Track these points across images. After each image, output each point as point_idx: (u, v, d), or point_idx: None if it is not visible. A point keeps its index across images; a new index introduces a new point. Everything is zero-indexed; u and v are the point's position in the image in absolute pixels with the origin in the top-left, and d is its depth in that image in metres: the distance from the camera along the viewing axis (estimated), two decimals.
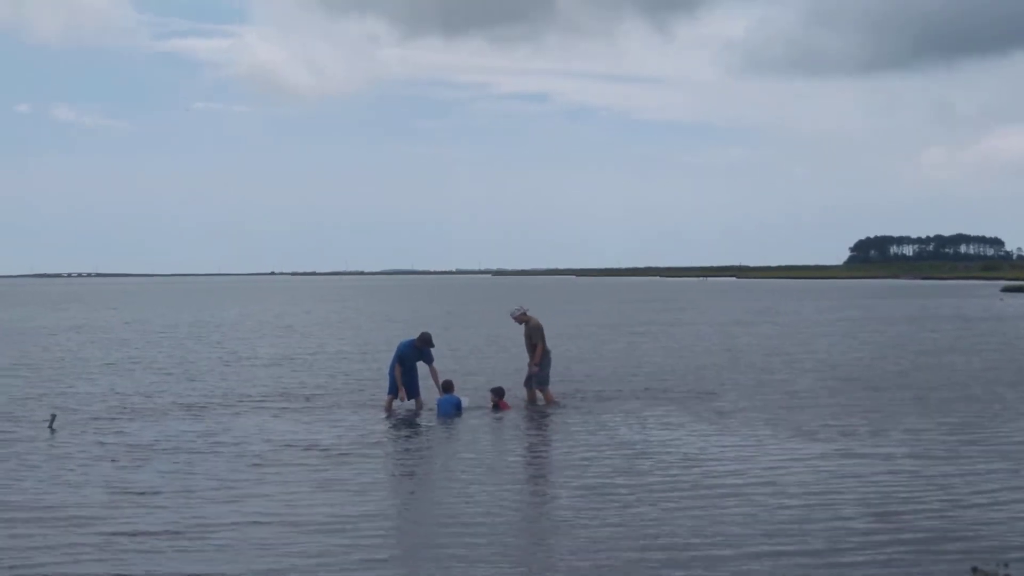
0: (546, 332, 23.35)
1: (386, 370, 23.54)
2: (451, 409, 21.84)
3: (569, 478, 15.34)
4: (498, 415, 21.90)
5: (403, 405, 22.63)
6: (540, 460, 17.17)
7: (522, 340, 23.90)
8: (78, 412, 22.17)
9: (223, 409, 22.71)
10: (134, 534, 12.16)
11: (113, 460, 16.79)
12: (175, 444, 18.28)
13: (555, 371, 25.35)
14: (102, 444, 18.28)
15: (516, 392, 23.50)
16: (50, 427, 19.99)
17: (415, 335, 23.27)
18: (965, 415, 21.20)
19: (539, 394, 23.16)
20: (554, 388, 23.69)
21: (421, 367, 22.92)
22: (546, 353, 23.29)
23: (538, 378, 23.19)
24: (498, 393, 22.83)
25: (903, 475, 15.38)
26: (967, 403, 22.95)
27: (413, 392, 22.76)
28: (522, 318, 23.48)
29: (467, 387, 24.43)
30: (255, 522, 12.74)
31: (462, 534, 12.10)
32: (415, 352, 22.79)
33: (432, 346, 22.96)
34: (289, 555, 11.32)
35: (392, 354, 23.11)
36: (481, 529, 12.40)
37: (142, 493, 14.37)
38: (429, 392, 22.81)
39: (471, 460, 16.88)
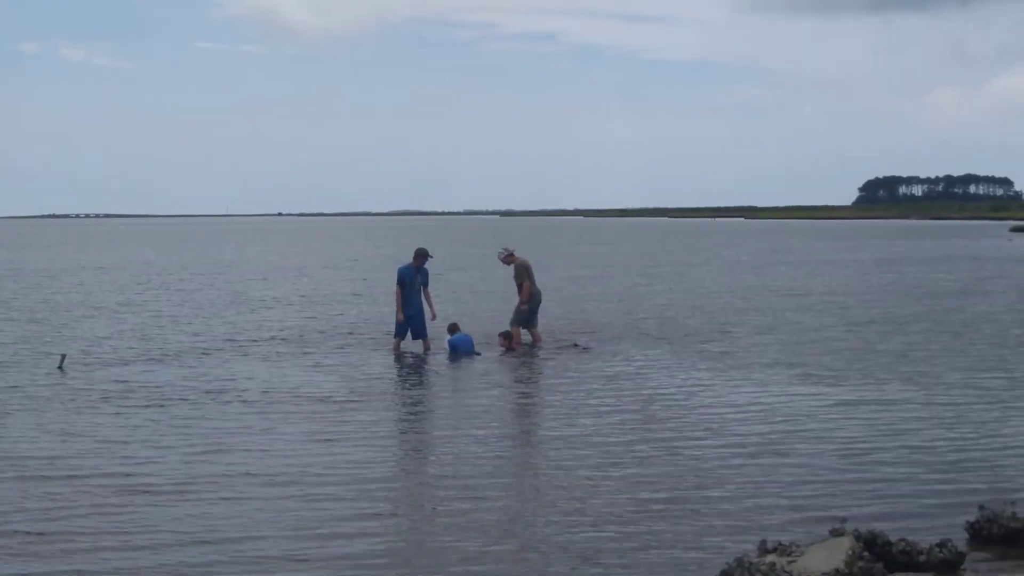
0: (539, 272, 23.10)
1: (392, 313, 23.32)
2: (469, 347, 21.94)
3: (572, 428, 15.11)
4: (506, 357, 21.80)
5: (410, 347, 22.50)
6: (550, 410, 16.73)
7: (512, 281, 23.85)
8: (89, 354, 21.98)
9: (225, 354, 22.24)
10: (124, 488, 11.77)
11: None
12: (168, 392, 17.64)
13: (567, 313, 25.18)
14: (100, 386, 18.03)
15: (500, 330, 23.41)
16: (60, 367, 20.12)
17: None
18: (981, 359, 20.99)
19: (528, 333, 23.16)
20: (567, 330, 23.51)
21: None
22: (535, 293, 23.29)
23: (525, 317, 23.17)
24: (507, 336, 22.75)
25: (909, 417, 15.33)
26: (981, 346, 22.74)
27: (420, 332, 22.64)
28: (508, 259, 23.57)
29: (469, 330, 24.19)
30: (246, 475, 12.31)
31: (466, 497, 11.58)
32: (415, 273, 22.72)
33: (430, 257, 23.04)
34: (283, 514, 10.81)
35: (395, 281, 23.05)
36: (482, 491, 12.11)
37: (126, 443, 13.94)
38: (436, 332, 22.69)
39: (480, 409, 16.66)
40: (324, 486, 11.82)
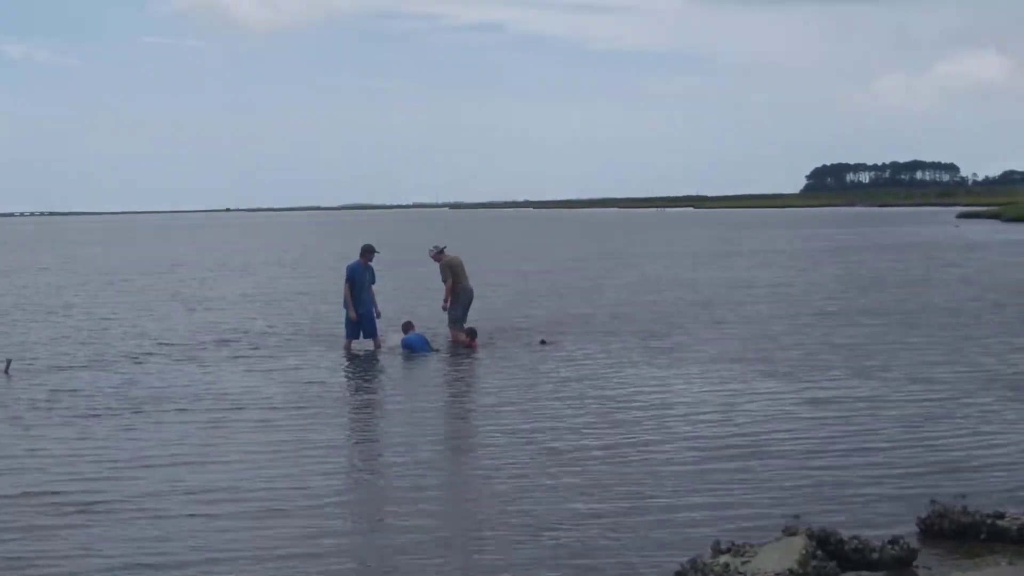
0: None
1: (340, 311, 22.87)
2: (423, 346, 21.71)
3: (531, 428, 14.70)
4: (463, 355, 21.49)
5: (361, 346, 22.09)
6: (504, 411, 16.24)
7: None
8: (34, 360, 21.20)
9: (166, 359, 21.41)
10: (57, 506, 11.18)
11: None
12: (102, 401, 16.83)
13: (520, 309, 24.68)
14: (46, 394, 17.32)
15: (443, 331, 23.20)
16: (5, 371, 19.58)
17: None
18: (935, 352, 20.79)
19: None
20: (519, 326, 23.15)
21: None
22: (464, 291, 23.10)
23: (452, 316, 22.93)
24: (471, 334, 22.50)
25: (861, 412, 15.26)
26: (935, 338, 22.53)
27: (371, 331, 22.25)
28: (437, 257, 23.47)
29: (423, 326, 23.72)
30: (186, 492, 11.72)
31: (421, 513, 11.24)
32: (363, 271, 22.38)
33: (376, 252, 22.81)
34: (227, 533, 10.27)
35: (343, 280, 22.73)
36: (437, 503, 11.73)
37: (57, 456, 13.29)
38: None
39: (433, 414, 16.23)
40: (272, 501, 11.28)
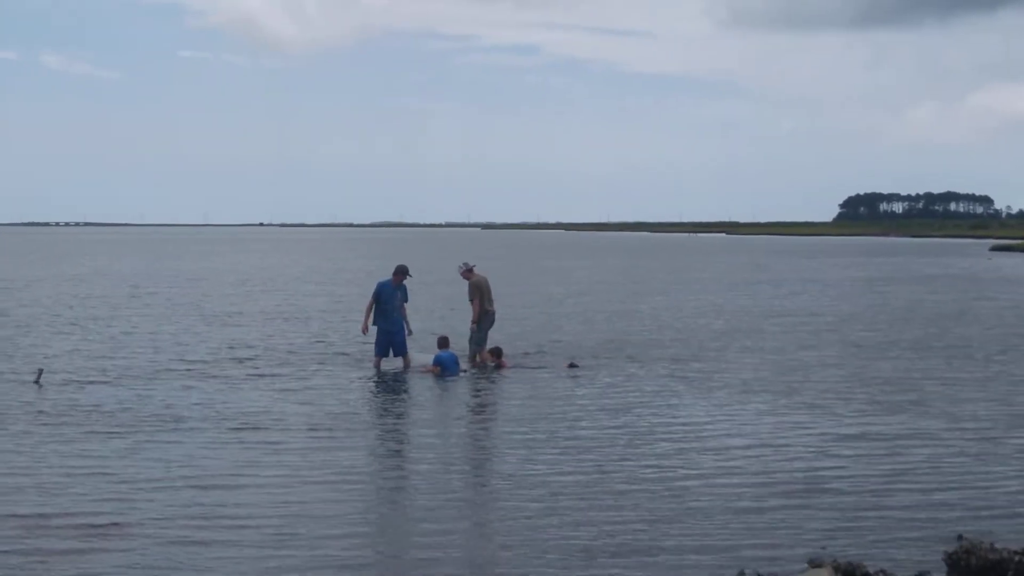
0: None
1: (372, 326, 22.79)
2: (454, 365, 21.58)
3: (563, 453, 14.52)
4: (493, 376, 21.49)
5: (390, 363, 22.02)
6: (530, 439, 16.04)
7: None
8: (59, 371, 21.12)
9: (189, 376, 21.24)
10: (71, 528, 10.98)
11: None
12: (122, 418, 16.60)
13: (547, 332, 24.46)
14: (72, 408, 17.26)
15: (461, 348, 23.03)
16: (36, 381, 19.57)
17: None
18: (968, 387, 20.46)
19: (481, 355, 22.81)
20: (548, 349, 23.02)
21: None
22: (487, 313, 22.87)
23: (476, 338, 22.76)
24: (496, 353, 22.38)
25: (890, 446, 15.13)
26: (968, 373, 22.20)
27: (400, 350, 22.13)
28: (467, 275, 23.26)
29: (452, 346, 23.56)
30: (202, 516, 11.60)
31: (444, 544, 11.08)
32: (393, 290, 22.20)
33: (410, 276, 22.59)
34: (244, 563, 10.05)
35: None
36: (460, 535, 11.55)
37: (72, 475, 13.10)
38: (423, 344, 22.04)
39: (460, 440, 16.08)
40: (293, 528, 11.06)
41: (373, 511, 12.11)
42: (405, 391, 20.09)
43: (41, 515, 11.41)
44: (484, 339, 22.95)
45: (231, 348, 25.52)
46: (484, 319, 22.96)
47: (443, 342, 22.27)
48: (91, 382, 20.23)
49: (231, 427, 16.15)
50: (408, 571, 9.97)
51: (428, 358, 21.95)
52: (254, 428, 16.10)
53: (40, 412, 17.08)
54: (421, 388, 20.33)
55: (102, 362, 22.94)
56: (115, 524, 11.08)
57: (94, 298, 41.78)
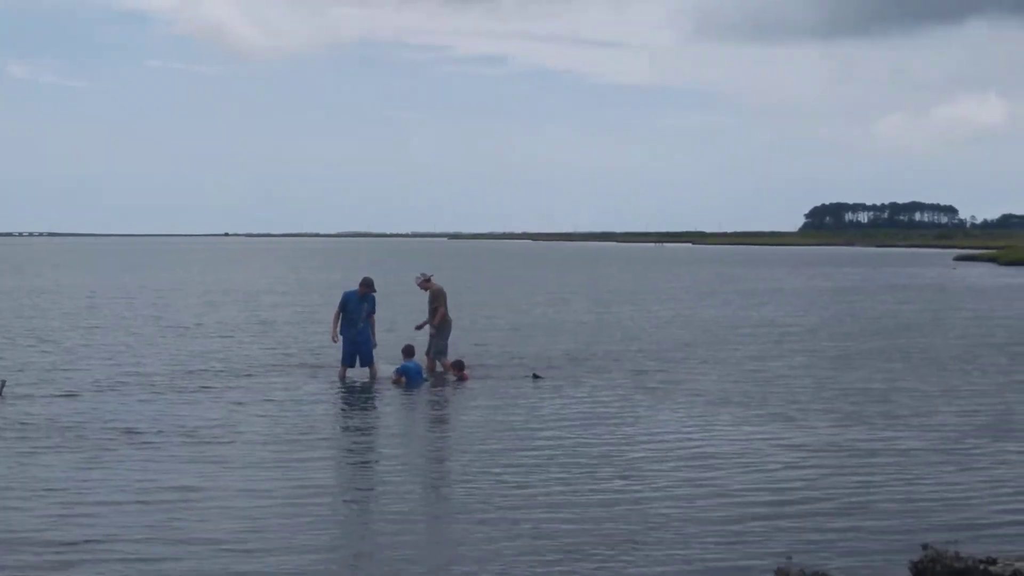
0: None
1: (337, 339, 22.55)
2: (418, 375, 21.64)
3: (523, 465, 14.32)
4: (457, 387, 21.38)
5: (357, 374, 21.96)
6: (496, 448, 15.83)
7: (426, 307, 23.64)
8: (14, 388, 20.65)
9: (151, 388, 20.81)
10: (27, 546, 10.67)
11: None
12: (81, 432, 16.17)
13: (511, 343, 24.31)
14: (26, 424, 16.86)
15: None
16: None
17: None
18: (933, 397, 20.43)
19: (438, 364, 22.85)
20: (511, 360, 22.87)
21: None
22: (446, 322, 22.94)
23: (436, 347, 22.80)
24: (458, 366, 22.31)
25: (855, 456, 15.13)
26: (933, 383, 22.16)
27: (367, 360, 22.05)
28: (425, 285, 23.36)
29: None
30: (165, 533, 11.24)
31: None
32: (359, 301, 22.06)
33: (374, 291, 22.42)
34: None
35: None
36: (431, 562, 11.33)
37: (31, 493, 12.78)
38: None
39: (428, 453, 15.84)
40: (254, 543, 10.80)
41: (334, 524, 11.85)
42: (368, 402, 19.89)
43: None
44: (446, 348, 22.81)
45: (191, 359, 25.13)
46: (444, 327, 22.87)
47: (408, 351, 22.10)
48: (46, 396, 19.73)
49: (189, 441, 15.82)
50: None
51: (392, 369, 21.79)
52: (211, 442, 15.78)
53: None
54: (385, 399, 20.13)
55: (57, 374, 22.48)
56: (70, 542, 10.78)
57: (52, 310, 41.15)
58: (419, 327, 23.55)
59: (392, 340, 25.22)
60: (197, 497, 12.62)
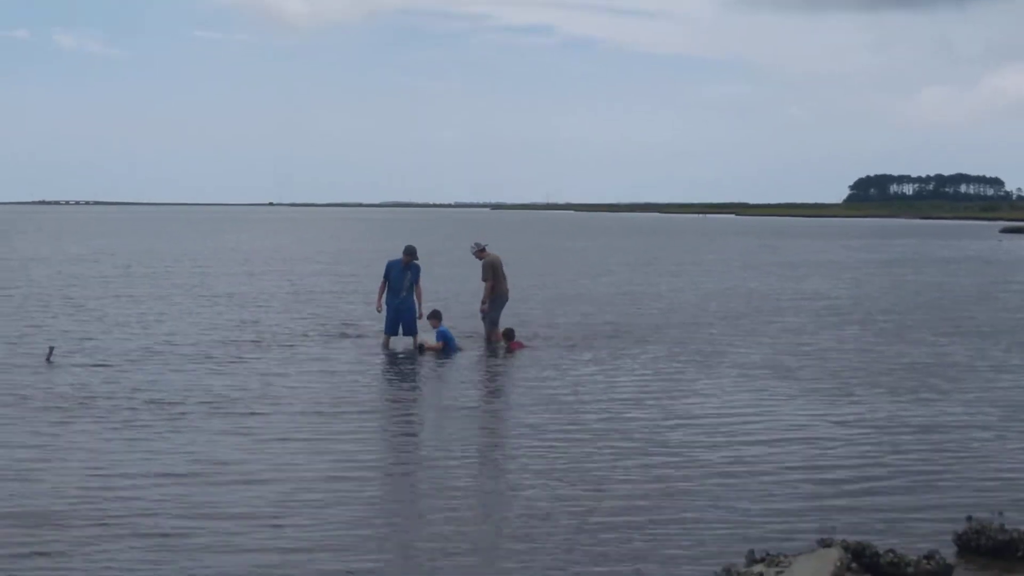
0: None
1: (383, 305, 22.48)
2: (453, 341, 21.61)
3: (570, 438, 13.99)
4: (505, 357, 21.19)
5: (400, 342, 21.89)
6: (538, 422, 15.45)
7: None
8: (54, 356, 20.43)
9: (195, 358, 20.56)
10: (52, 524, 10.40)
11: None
12: (126, 402, 15.90)
13: (555, 313, 23.98)
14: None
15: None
16: (48, 359, 19.35)
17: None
18: (983, 367, 19.98)
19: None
20: (555, 331, 22.68)
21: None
22: (501, 294, 22.64)
23: (490, 317, 22.54)
24: (508, 335, 22.13)
25: (900, 428, 14.90)
26: (985, 352, 21.67)
27: (410, 329, 21.97)
28: (480, 254, 22.97)
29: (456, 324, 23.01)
30: (207, 512, 10.94)
31: (459, 551, 10.42)
32: (402, 270, 21.93)
33: (417, 259, 22.33)
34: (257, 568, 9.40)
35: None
36: (475, 538, 10.99)
37: (68, 461, 12.65)
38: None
39: (471, 426, 15.50)
40: (291, 519, 10.48)
41: (372, 499, 11.49)
42: (411, 372, 19.57)
43: (27, 511, 10.79)
44: (497, 319, 22.62)
45: (229, 329, 24.90)
46: (497, 299, 22.59)
47: (436, 315, 21.97)
48: (80, 365, 19.39)
49: (228, 411, 15.53)
50: (412, 557, 9.53)
51: (431, 336, 21.56)
52: (246, 413, 15.47)
53: (24, 397, 16.37)
54: (427, 369, 19.83)
55: (91, 344, 22.11)
56: (100, 515, 10.53)
57: (90, 278, 41.04)
58: (481, 302, 22.84)
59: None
60: (230, 471, 12.33)
